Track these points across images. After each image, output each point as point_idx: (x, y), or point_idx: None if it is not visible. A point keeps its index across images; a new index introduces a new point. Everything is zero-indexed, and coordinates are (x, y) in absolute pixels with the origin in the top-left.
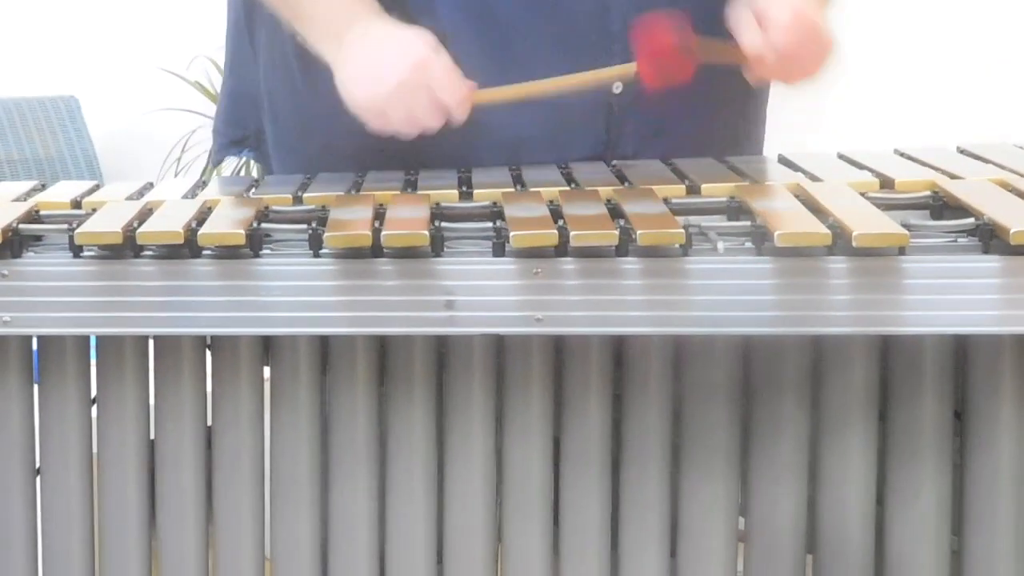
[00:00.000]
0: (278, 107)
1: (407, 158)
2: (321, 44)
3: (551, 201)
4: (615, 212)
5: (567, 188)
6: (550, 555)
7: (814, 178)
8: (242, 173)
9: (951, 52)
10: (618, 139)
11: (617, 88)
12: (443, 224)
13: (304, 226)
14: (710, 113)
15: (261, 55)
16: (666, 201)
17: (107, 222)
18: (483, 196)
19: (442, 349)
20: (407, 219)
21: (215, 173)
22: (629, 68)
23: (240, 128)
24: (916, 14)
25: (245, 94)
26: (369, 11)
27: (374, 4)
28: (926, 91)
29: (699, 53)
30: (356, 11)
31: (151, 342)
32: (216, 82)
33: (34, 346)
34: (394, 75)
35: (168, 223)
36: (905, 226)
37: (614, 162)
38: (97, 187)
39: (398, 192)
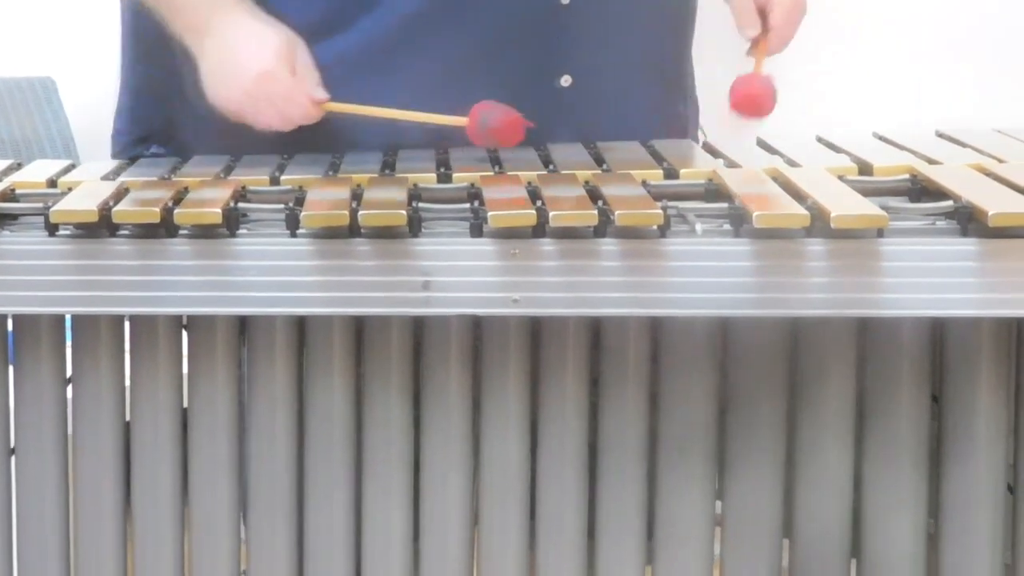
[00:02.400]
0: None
1: (323, 140)
2: (184, 35)
3: (529, 183)
4: (593, 194)
5: (545, 171)
6: (526, 537)
7: (792, 162)
8: None
9: (930, 35)
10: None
11: (565, 81)
12: (421, 205)
13: (281, 206)
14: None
15: (176, 45)
16: (644, 184)
17: (83, 201)
18: (461, 178)
19: (419, 330)
20: (385, 200)
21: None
22: (462, 121)
23: (145, 124)
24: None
25: (149, 87)
26: (231, 2)
27: None
28: (905, 75)
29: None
30: (217, 3)
31: (127, 322)
32: None
33: (9, 325)
34: (240, 83)
35: (144, 202)
36: (884, 209)
37: (593, 144)
38: (73, 166)
39: (376, 174)
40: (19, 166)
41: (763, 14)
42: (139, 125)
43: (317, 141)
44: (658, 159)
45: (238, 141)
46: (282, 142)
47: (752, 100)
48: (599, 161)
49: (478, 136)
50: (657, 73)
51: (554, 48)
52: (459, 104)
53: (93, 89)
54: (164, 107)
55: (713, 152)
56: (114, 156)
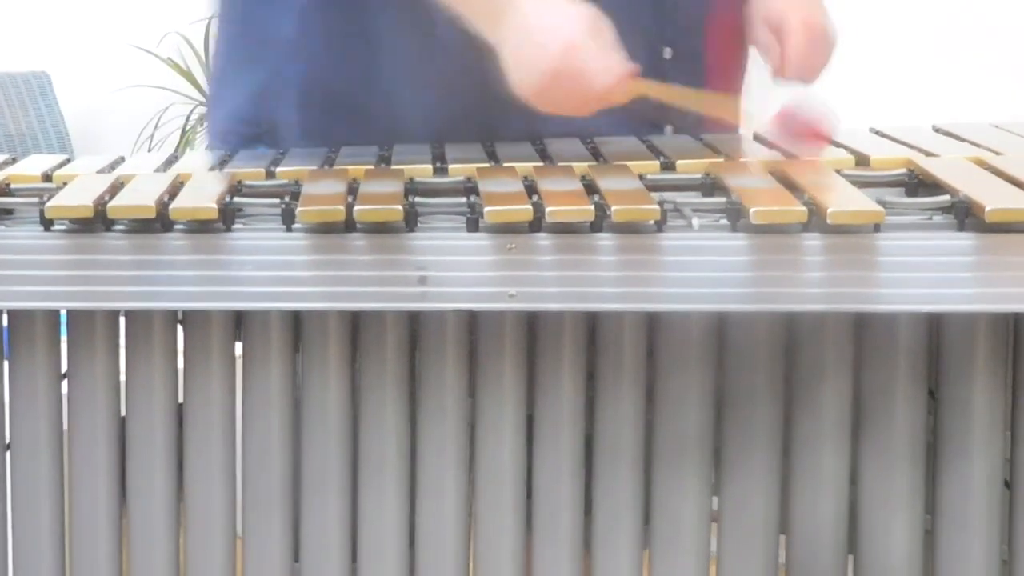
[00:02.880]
0: (315, 89)
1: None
2: (480, 23)
3: (526, 177)
4: (590, 188)
5: (541, 164)
6: (523, 531)
7: (789, 155)
8: None
9: (927, 30)
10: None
11: (668, 53)
12: (417, 199)
13: (277, 200)
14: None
15: (288, 38)
16: (641, 177)
17: (78, 196)
18: (457, 172)
19: (415, 324)
20: (380, 194)
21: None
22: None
23: (256, 125)
24: None
25: (261, 88)
26: None
27: None
28: (902, 69)
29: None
30: None
31: (122, 317)
32: (188, 59)
33: (3, 321)
34: (546, 60)
35: (140, 197)
36: (880, 203)
37: (591, 140)
38: (68, 161)
39: (371, 167)
40: (14, 160)
41: (779, 42)
42: (251, 126)
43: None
44: (655, 152)
45: (346, 140)
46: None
47: (806, 136)
48: (596, 155)
49: (782, 136)
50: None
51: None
52: None
53: (87, 84)
54: (274, 109)
55: (710, 146)
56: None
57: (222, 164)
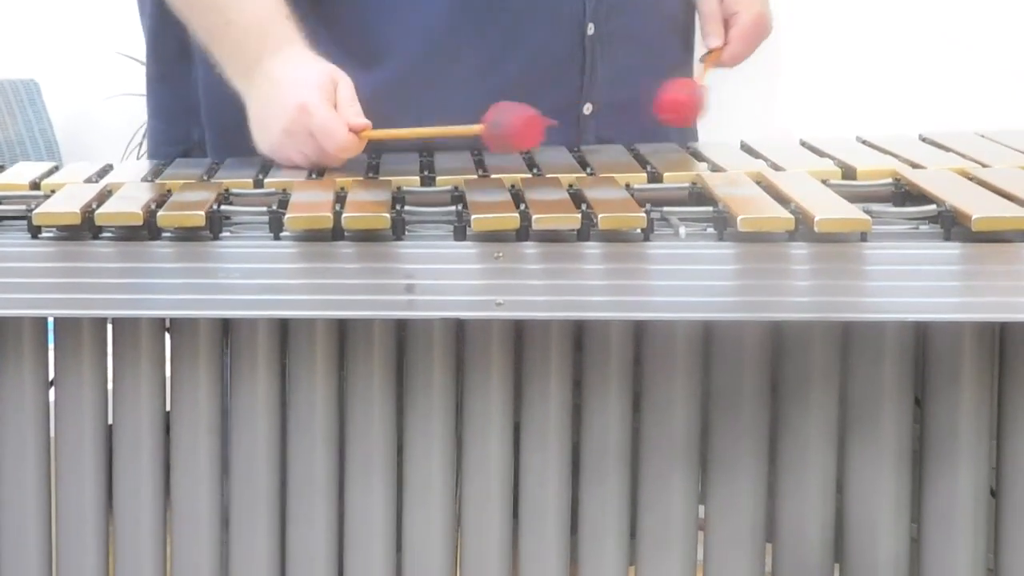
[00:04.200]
0: (218, 111)
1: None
2: (234, 77)
3: (513, 186)
4: (577, 197)
5: (529, 175)
6: (509, 540)
7: (776, 166)
8: None
9: (913, 39)
10: (591, 83)
11: (591, 30)
12: (404, 208)
13: (264, 208)
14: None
15: (197, 58)
16: (628, 187)
17: (66, 203)
18: (445, 181)
19: (402, 333)
20: (368, 202)
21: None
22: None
23: (179, 144)
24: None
25: (179, 106)
26: (281, 42)
27: (288, 28)
28: (888, 78)
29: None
30: (267, 43)
31: (109, 324)
32: None
33: None
34: (279, 121)
35: (127, 204)
36: (867, 213)
37: (576, 148)
38: (56, 168)
39: (359, 177)
40: (2, 168)
41: (727, 26)
42: (171, 146)
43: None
44: (642, 163)
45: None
46: None
47: (678, 106)
48: (583, 164)
49: (493, 141)
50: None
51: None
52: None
53: (76, 92)
54: (196, 125)
55: (697, 156)
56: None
57: (210, 172)
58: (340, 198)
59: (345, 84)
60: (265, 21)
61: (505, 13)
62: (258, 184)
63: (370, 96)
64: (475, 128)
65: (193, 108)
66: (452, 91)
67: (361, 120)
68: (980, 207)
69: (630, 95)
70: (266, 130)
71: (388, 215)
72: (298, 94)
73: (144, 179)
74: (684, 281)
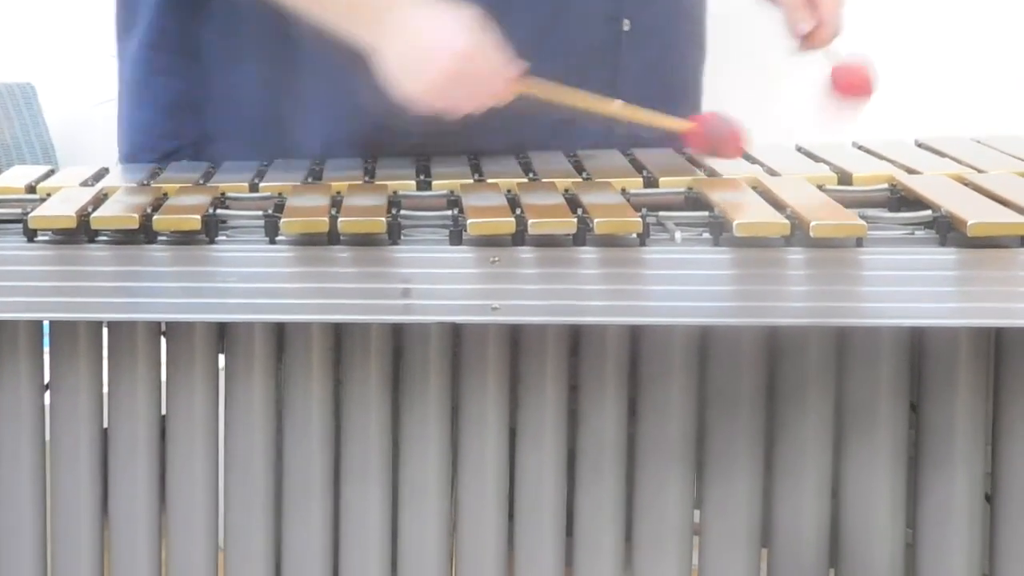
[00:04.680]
0: (241, 105)
1: (413, 135)
2: (356, 29)
3: (509, 191)
4: (573, 202)
5: (525, 179)
6: (505, 544)
7: (772, 171)
8: None
9: (909, 44)
10: (624, 79)
11: (626, 25)
12: (400, 212)
13: (260, 212)
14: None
15: (216, 51)
16: (624, 192)
17: (61, 207)
18: (441, 186)
19: (398, 337)
20: (364, 207)
21: None
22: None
23: (176, 139)
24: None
25: (180, 101)
26: None
27: None
28: (884, 84)
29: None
30: None
31: (105, 328)
32: None
33: None
34: (439, 66)
35: (123, 208)
36: (863, 218)
37: (573, 152)
38: (52, 172)
39: (355, 181)
40: None
41: (812, 7)
42: (169, 141)
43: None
44: (638, 167)
45: (272, 150)
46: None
47: (855, 86)
48: (579, 169)
49: (700, 143)
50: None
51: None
52: None
53: (72, 95)
54: (197, 121)
55: (693, 161)
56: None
57: (207, 176)
58: (336, 202)
59: (492, 28)
60: None
61: (542, 5)
62: (254, 188)
63: None
64: (678, 123)
65: (195, 104)
66: None
67: (515, 68)
68: (976, 213)
69: (659, 91)
70: (417, 76)
71: (384, 219)
72: (459, 40)
73: (140, 183)
74: (680, 286)
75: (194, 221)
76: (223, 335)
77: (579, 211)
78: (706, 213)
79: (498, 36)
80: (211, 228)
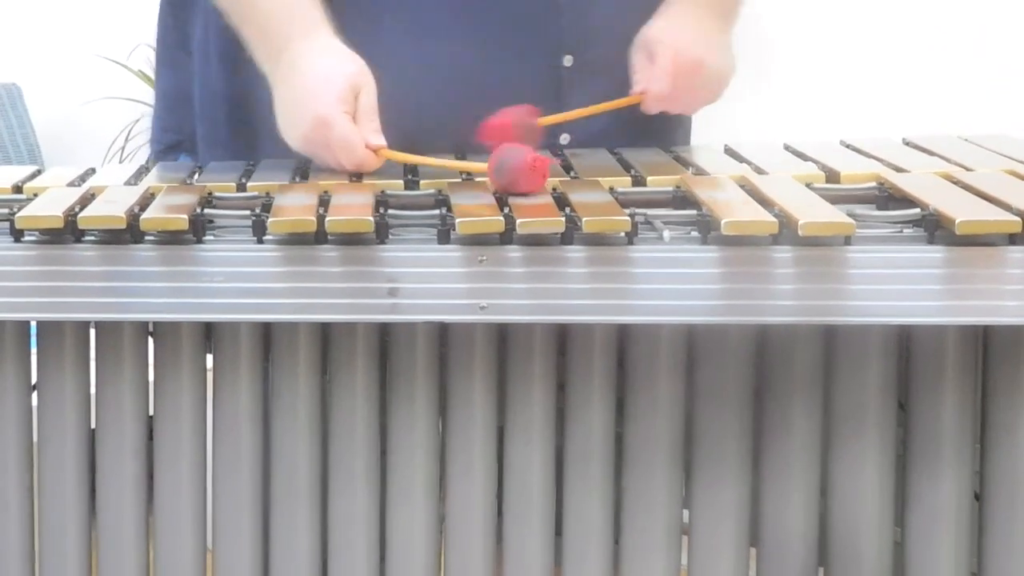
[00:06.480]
0: (209, 104)
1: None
2: (262, 62)
3: (496, 190)
4: (561, 201)
5: None
6: (493, 543)
7: (760, 170)
8: None
9: (897, 43)
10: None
11: (568, 61)
12: (388, 211)
13: (248, 212)
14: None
15: (194, 50)
16: (612, 191)
17: (48, 206)
18: (429, 185)
19: (385, 336)
20: (351, 206)
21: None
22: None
23: (175, 133)
24: (864, 5)
25: (178, 95)
26: (308, 27)
27: (315, 12)
28: (872, 82)
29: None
30: (294, 29)
31: (92, 328)
32: None
33: None
34: (300, 128)
35: (110, 208)
36: (851, 216)
37: (561, 151)
38: (39, 172)
39: (343, 180)
40: None
41: (650, 63)
42: (169, 133)
43: None
44: (626, 166)
45: (258, 152)
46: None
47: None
48: (567, 168)
49: (499, 184)
50: None
51: (555, 34)
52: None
53: (58, 95)
54: (187, 119)
55: (681, 160)
56: (151, 159)
57: (193, 175)
58: (323, 201)
59: (367, 92)
60: (291, 4)
61: (478, 42)
62: (241, 188)
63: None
64: (481, 166)
65: (189, 99)
66: (427, 108)
67: (378, 139)
68: (963, 211)
69: (604, 127)
70: (291, 128)
71: (372, 218)
72: (319, 104)
73: (127, 182)
74: (668, 285)
75: (181, 221)
76: (211, 335)
77: (567, 210)
78: (694, 212)
79: (372, 101)
80: (198, 228)
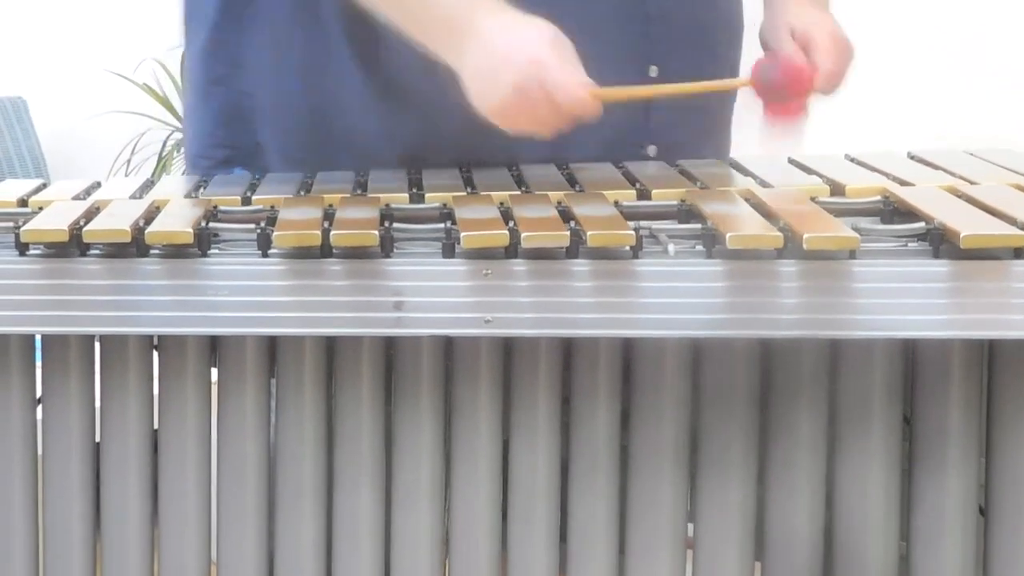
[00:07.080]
0: (285, 115)
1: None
2: (441, 48)
3: (502, 204)
4: (566, 215)
5: (517, 192)
6: (498, 557)
7: (765, 183)
8: None
9: (902, 57)
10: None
11: (654, 71)
12: (393, 225)
13: (253, 226)
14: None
15: (254, 66)
16: (616, 204)
17: (53, 220)
18: (434, 198)
19: (391, 350)
20: (356, 219)
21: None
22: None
23: (229, 148)
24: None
25: (231, 110)
26: (490, 5)
27: None
28: (877, 96)
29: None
30: (474, 12)
31: (97, 342)
32: (164, 85)
33: None
34: (510, 75)
35: (115, 221)
36: (856, 230)
37: (565, 165)
38: (44, 186)
39: (347, 193)
40: None
41: (806, 52)
42: (222, 149)
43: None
44: (631, 180)
45: (318, 163)
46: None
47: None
48: (572, 182)
49: (765, 93)
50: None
51: (642, 45)
52: None
53: (64, 109)
54: (249, 131)
55: (686, 174)
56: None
57: (198, 189)
58: (328, 215)
59: (570, 45)
60: None
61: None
62: (246, 201)
63: None
64: (737, 82)
65: (244, 115)
66: None
67: (585, 81)
68: (968, 224)
69: (689, 138)
70: (493, 88)
71: (376, 232)
72: (531, 49)
73: (132, 196)
74: (673, 299)
75: (186, 234)
76: (215, 348)
77: (572, 224)
78: (699, 225)
79: (575, 53)
80: (203, 241)
